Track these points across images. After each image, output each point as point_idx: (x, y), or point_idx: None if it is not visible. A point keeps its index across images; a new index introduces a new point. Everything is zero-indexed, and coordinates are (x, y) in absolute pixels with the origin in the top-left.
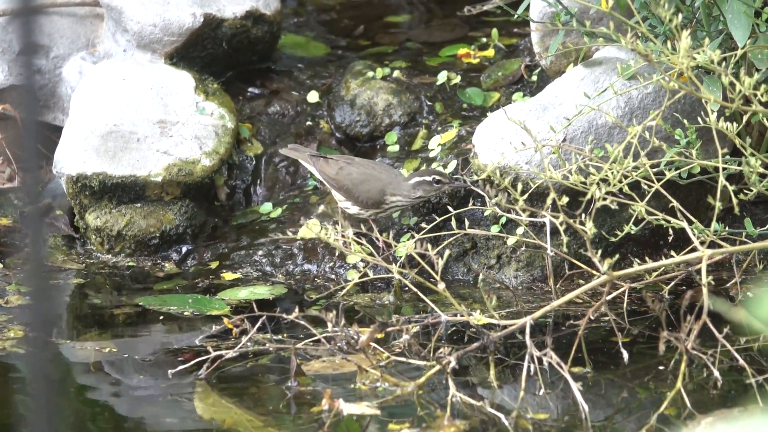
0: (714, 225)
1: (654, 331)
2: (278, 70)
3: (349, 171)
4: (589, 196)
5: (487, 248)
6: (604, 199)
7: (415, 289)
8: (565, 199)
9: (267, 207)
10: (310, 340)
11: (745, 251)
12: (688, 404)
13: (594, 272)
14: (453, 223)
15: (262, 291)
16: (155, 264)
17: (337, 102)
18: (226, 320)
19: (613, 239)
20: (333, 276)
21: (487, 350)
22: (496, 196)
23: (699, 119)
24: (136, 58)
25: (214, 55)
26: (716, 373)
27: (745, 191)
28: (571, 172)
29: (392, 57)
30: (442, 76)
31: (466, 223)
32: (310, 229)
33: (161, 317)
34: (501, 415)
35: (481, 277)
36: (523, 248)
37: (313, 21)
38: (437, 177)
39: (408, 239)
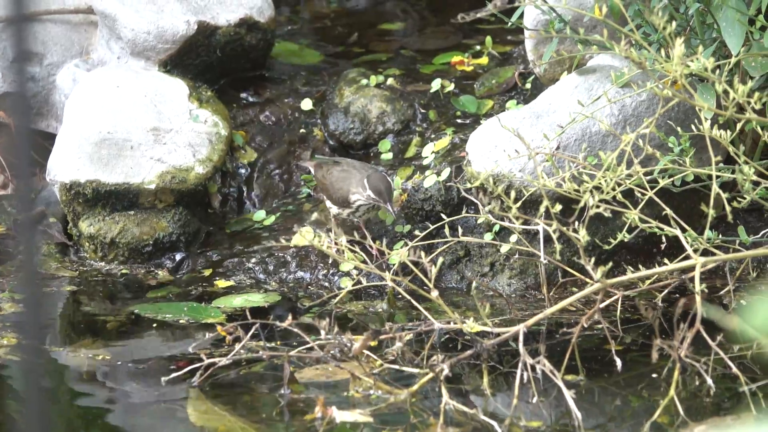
0: (707, 233)
1: (647, 338)
2: (272, 78)
3: (332, 171)
4: (582, 204)
5: (481, 256)
6: (598, 206)
7: (408, 297)
8: (559, 207)
9: (260, 214)
10: (304, 347)
11: (739, 259)
12: (681, 412)
13: (587, 280)
14: (446, 230)
15: (257, 299)
16: (149, 272)
17: (330, 109)
18: (219, 328)
19: (606, 247)
20: (326, 283)
21: (480, 358)
22: (489, 203)
23: (693, 127)
24: (130, 66)
25: (207, 63)
26: (709, 381)
27: (739, 199)
28: (564, 179)
29: (386, 65)
30: (435, 84)
31: (460, 230)
32: (303, 236)
33: (154, 325)
34: (494, 423)
35: (474, 284)
36: (517, 256)
37: (307, 29)
38: (365, 183)
39: (401, 247)
